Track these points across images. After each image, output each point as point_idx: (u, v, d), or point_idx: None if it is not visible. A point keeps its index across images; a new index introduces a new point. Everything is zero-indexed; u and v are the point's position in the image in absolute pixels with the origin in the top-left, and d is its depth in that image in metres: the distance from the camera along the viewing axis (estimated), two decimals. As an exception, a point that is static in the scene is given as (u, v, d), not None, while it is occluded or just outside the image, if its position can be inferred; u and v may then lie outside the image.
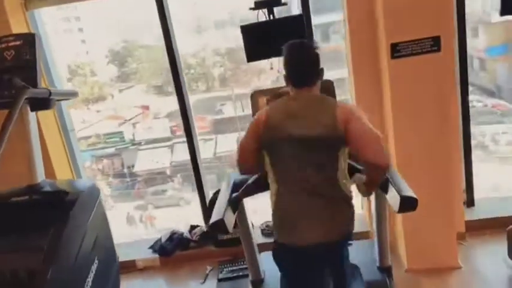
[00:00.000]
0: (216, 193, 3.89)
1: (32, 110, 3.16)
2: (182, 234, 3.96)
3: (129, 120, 16.79)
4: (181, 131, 15.77)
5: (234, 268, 3.55)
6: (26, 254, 2.63)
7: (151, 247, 4.04)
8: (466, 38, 3.71)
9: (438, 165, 3.19)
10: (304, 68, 2.21)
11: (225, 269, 3.53)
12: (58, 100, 3.30)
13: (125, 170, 15.39)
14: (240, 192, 2.43)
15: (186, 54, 21.41)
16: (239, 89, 15.75)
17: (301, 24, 3.10)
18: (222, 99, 18.57)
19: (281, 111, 2.14)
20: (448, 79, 3.21)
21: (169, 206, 13.82)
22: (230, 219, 2.28)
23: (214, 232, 2.29)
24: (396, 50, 2.96)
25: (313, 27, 3.90)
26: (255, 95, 2.85)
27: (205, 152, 15.29)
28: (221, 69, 21.98)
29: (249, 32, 3.18)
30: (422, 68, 2.99)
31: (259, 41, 3.17)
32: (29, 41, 3.07)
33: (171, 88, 21.43)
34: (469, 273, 3.30)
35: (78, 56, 19.29)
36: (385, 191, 2.28)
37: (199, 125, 16.10)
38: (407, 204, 2.14)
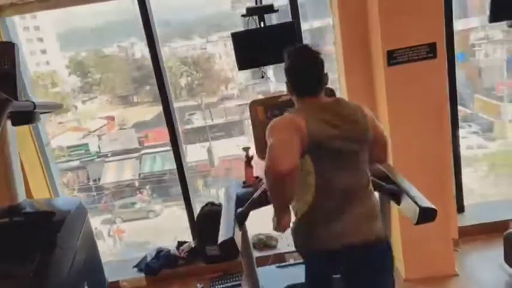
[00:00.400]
0: (205, 207, 3.74)
1: (13, 125, 2.89)
2: (169, 251, 3.77)
3: (94, 131, 16.36)
4: (149, 142, 15.56)
5: (227, 285, 3.40)
6: (10, 283, 2.35)
7: (136, 266, 3.82)
8: (454, 45, 3.74)
9: (433, 172, 3.16)
10: (311, 75, 2.04)
11: (216, 286, 3.38)
12: (41, 113, 3.06)
13: (91, 183, 14.92)
14: (246, 206, 2.28)
15: (151, 64, 21.19)
16: (207, 98, 15.61)
17: (292, 32, 3.02)
18: (191, 109, 18.40)
19: (314, 118, 1.99)
20: (442, 86, 3.20)
21: (138, 219, 13.46)
22: (239, 237, 2.14)
23: (225, 252, 2.11)
24: (393, 57, 2.92)
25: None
26: (254, 105, 2.72)
27: (173, 163, 15.09)
28: (188, 78, 21.85)
29: (240, 39, 3.06)
30: (418, 75, 2.96)
31: (250, 49, 3.05)
32: (8, 49, 2.83)
33: (137, 98, 21.10)
34: (466, 280, 3.28)
35: (38, 66, 18.71)
36: (397, 201, 2.19)
37: (167, 135, 15.92)
38: (427, 215, 2.07)
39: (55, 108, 3.82)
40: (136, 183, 14.98)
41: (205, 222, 3.60)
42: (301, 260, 3.17)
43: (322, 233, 2.02)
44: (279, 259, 3.57)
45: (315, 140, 1.92)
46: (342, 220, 2.01)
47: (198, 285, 3.41)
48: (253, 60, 3.10)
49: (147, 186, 14.86)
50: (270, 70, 17.15)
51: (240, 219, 2.26)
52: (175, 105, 16.82)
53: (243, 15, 3.02)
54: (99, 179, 14.90)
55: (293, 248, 2.99)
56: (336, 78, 3.54)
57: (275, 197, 1.92)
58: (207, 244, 3.55)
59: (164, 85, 3.58)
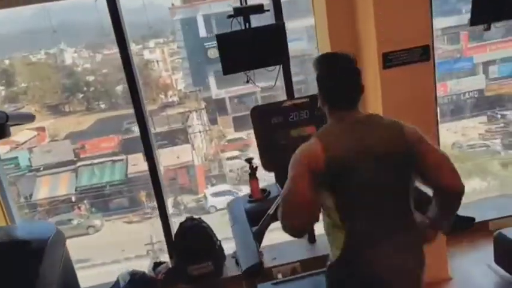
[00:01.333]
0: (184, 222, 3.41)
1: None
2: (144, 273, 3.42)
3: (23, 144, 15.24)
4: (86, 153, 14.72)
5: (213, 307, 3.12)
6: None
7: (107, 293, 3.44)
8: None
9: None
10: (348, 85, 1.78)
11: (201, 311, 3.10)
12: (12, 125, 2.58)
13: (22, 200, 13.84)
14: (262, 224, 2.04)
15: (83, 71, 20.18)
16: (148, 106, 15.07)
17: (281, 34, 2.83)
18: (129, 118, 17.67)
19: (339, 137, 1.71)
20: (431, 88, 3.16)
21: (77, 235, 12.64)
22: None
23: (250, 278, 1.86)
24: (388, 60, 2.82)
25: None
26: (256, 111, 2.47)
27: (114, 173, 14.38)
28: (125, 86, 20.95)
29: (226, 41, 2.83)
30: (411, 78, 2.88)
31: (236, 51, 2.83)
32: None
33: (69, 107, 20.02)
34: (460, 284, 3.24)
35: (-44, 75, 17.24)
36: (421, 208, 1.96)
37: (105, 145, 15.15)
38: (463, 225, 1.94)
39: (28, 120, 3.34)
40: (73, 198, 14.10)
41: (185, 239, 3.29)
42: (293, 276, 2.96)
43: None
44: (265, 274, 3.34)
45: (333, 158, 1.66)
46: (379, 270, 1.77)
47: (180, 310, 3.09)
48: (238, 64, 2.86)
49: (85, 201, 14.02)
50: (211, 77, 16.90)
51: (258, 239, 2.01)
52: (112, 114, 16.11)
53: (229, 16, 2.78)
54: (30, 196, 13.86)
55: (280, 262, 2.78)
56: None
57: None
58: (189, 263, 3.24)
59: (137, 91, 3.23)
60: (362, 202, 1.72)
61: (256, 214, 2.14)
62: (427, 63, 2.97)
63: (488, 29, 3.00)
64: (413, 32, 2.89)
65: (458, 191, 1.73)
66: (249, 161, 2.36)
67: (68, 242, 10.32)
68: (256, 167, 2.35)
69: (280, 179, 2.23)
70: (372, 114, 1.86)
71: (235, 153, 14.90)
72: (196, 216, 3.46)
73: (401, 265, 1.78)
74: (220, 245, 3.36)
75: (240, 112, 19.03)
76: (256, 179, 2.37)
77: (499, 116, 15.38)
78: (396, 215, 1.77)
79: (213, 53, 19.53)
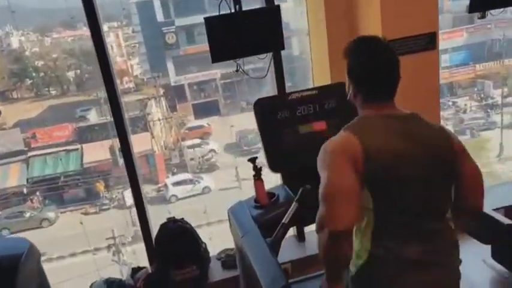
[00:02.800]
0: (166, 224, 3.16)
1: None
2: (121, 280, 3.15)
3: (-34, 133, 14.35)
4: (38, 143, 13.99)
5: (199, 314, 2.92)
6: None
7: (79, 303, 3.16)
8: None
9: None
10: (387, 75, 1.55)
11: (187, 318, 2.88)
12: None
13: (-33, 194, 13.07)
14: (277, 235, 1.84)
15: (32, 56, 19.13)
16: (102, 92, 14.40)
17: (277, 18, 2.60)
18: (83, 104, 16.92)
19: (379, 132, 1.48)
20: (436, 78, 3.04)
21: (30, 229, 12.04)
22: None
23: None
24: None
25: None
26: (260, 105, 2.22)
27: (69, 164, 13.76)
28: (77, 71, 20.08)
29: (215, 25, 2.57)
30: (416, 66, 2.74)
31: (226, 37, 2.58)
32: None
33: (17, 94, 18.96)
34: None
35: None
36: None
37: (58, 134, 14.45)
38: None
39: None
40: (25, 190, 13.42)
41: (166, 243, 3.03)
42: (306, 275, 2.78)
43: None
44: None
45: (374, 156, 1.43)
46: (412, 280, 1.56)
47: (165, 318, 2.87)
48: (229, 51, 2.62)
49: (38, 193, 13.38)
50: (169, 63, 16.42)
51: (276, 251, 1.81)
52: (64, 100, 15.39)
53: (217, -4, 2.52)
54: (-24, 188, 13.09)
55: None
56: (310, 77, 3.20)
57: (328, 261, 1.44)
58: (172, 268, 3.00)
59: (110, 72, 2.92)
60: (398, 209, 1.51)
61: (266, 222, 1.93)
62: (432, 52, 2.85)
63: (483, 16, 2.92)
64: (420, 18, 2.75)
65: (479, 212, 1.62)
66: (252, 160, 2.12)
67: (21, 236, 9.74)
68: (261, 167, 2.11)
69: (288, 181, 2.04)
70: (413, 113, 1.60)
71: (196, 141, 14.62)
72: (177, 217, 3.21)
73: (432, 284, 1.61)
74: (205, 247, 3.14)
75: (199, 99, 18.73)
76: (262, 181, 2.13)
77: (450, 103, 15.88)
78: (434, 234, 1.58)
79: (171, 38, 19.04)
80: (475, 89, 16.65)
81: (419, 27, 2.71)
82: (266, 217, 1.97)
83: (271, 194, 2.08)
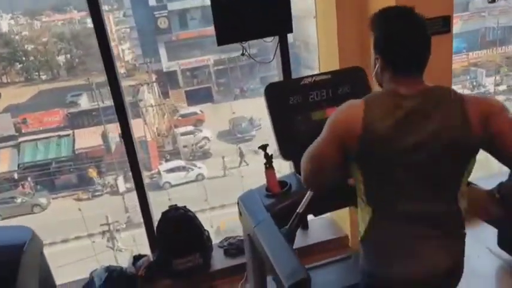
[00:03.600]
0: (168, 212, 3.11)
1: None
2: (122, 269, 3.10)
3: (-46, 117, 14.12)
4: (29, 128, 13.80)
5: (202, 303, 2.89)
6: None
7: (81, 292, 3.09)
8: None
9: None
10: (422, 48, 1.48)
11: (191, 307, 2.85)
12: None
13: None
14: (292, 225, 1.79)
15: (21, 39, 18.79)
16: (94, 78, 14.22)
17: (286, 0, 2.53)
18: (74, 90, 16.67)
19: (387, 110, 1.43)
20: (449, 63, 2.99)
21: (21, 215, 11.94)
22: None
23: None
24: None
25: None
26: (271, 90, 2.15)
27: (60, 150, 13.61)
28: (67, 56, 19.78)
29: (221, 5, 2.49)
30: (433, 50, 2.69)
31: (233, 18, 2.50)
32: None
33: (6, 78, 18.60)
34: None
35: None
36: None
37: (49, 120, 14.26)
38: None
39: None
40: (16, 176, 13.27)
41: (169, 230, 2.99)
42: (319, 262, 2.76)
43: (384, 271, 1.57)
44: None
45: (372, 130, 1.40)
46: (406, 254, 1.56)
47: (168, 307, 2.84)
48: (235, 34, 2.55)
49: (29, 178, 13.24)
50: (161, 48, 16.15)
51: (292, 241, 1.77)
52: (54, 85, 15.14)
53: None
54: (-35, 174, 12.95)
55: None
56: (315, 59, 3.14)
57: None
58: (175, 257, 2.96)
59: (111, 57, 2.84)
60: (391, 186, 1.49)
61: (279, 211, 1.88)
62: (447, 35, 2.81)
63: (494, 1, 2.89)
64: (435, 1, 2.69)
65: None
66: (263, 148, 2.06)
67: (13, 221, 9.59)
68: (272, 155, 2.06)
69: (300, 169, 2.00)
70: (436, 88, 1.52)
71: (189, 128, 14.52)
72: (180, 205, 3.16)
73: (430, 270, 1.58)
74: (208, 235, 3.10)
75: (192, 86, 18.54)
76: (273, 168, 2.08)
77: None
78: (434, 216, 1.54)
79: (163, 22, 18.77)
80: (468, 77, 16.69)
81: (433, 10, 2.65)
82: (279, 206, 1.92)
83: (283, 183, 2.04)
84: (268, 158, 2.05)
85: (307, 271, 1.49)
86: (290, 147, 2.02)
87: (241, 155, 13.12)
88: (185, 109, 15.80)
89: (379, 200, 1.49)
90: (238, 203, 2.06)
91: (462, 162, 1.48)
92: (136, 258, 3.18)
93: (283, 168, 2.33)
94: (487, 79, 15.99)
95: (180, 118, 15.21)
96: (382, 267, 1.54)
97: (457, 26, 16.39)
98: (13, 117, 13.91)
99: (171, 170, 12.93)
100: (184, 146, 13.90)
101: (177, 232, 2.97)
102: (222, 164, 13.06)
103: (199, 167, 12.99)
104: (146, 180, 11.97)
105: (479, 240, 3.21)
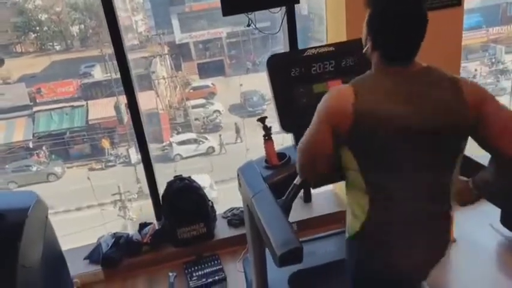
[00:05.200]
0: (173, 183, 3.16)
1: None
2: (128, 236, 3.18)
3: (-30, 86, 14.31)
4: (42, 98, 13.92)
5: (205, 271, 2.94)
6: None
7: (87, 258, 3.17)
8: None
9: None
10: (415, 32, 1.42)
11: (194, 274, 2.90)
12: None
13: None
14: (288, 196, 1.81)
15: (35, 9, 18.76)
16: (106, 49, 14.19)
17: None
18: (87, 61, 16.71)
19: (380, 93, 1.40)
20: (459, 37, 2.90)
21: (37, 182, 12.19)
22: None
23: (287, 265, 1.63)
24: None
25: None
26: (273, 61, 2.13)
27: (74, 120, 13.75)
28: (81, 26, 19.75)
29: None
30: (440, 24, 2.61)
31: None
32: None
33: (21, 48, 18.63)
34: (464, 246, 3.20)
35: None
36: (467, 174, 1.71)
37: (63, 90, 14.36)
38: None
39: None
40: (31, 145, 13.48)
41: (174, 200, 3.05)
42: (313, 236, 2.79)
43: (380, 265, 1.57)
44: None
45: (365, 114, 1.37)
46: (405, 254, 1.55)
47: (170, 273, 2.90)
48: (241, 4, 2.52)
49: (44, 147, 13.45)
50: (174, 19, 16.03)
51: (288, 213, 1.78)
52: (68, 56, 15.13)
53: None
54: (-19, 142, 13.17)
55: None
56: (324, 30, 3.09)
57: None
58: (178, 225, 3.02)
59: (118, 29, 2.85)
60: (391, 176, 1.48)
61: (277, 183, 1.90)
62: (457, 9, 2.73)
63: None
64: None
65: None
66: (262, 120, 2.07)
67: (29, 189, 9.75)
68: (271, 127, 2.07)
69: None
70: (427, 68, 1.49)
71: (201, 101, 14.52)
72: (184, 176, 3.20)
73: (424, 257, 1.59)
74: (212, 205, 3.15)
75: (204, 58, 18.44)
76: (272, 140, 2.09)
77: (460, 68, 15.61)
78: (430, 197, 1.53)
79: (177, -7, 18.58)
80: (486, 54, 16.30)
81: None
82: (277, 177, 1.93)
83: (281, 155, 2.05)
84: (267, 130, 2.05)
85: (302, 242, 1.51)
86: (290, 120, 2.02)
87: (238, 130, 13.19)
88: (197, 82, 15.77)
89: (377, 185, 1.48)
90: (238, 174, 2.08)
91: (458, 142, 1.47)
92: (142, 225, 3.26)
93: (286, 141, 2.34)
94: (507, 56, 15.61)
95: (191, 91, 15.20)
96: (380, 257, 1.55)
97: (475, 1, 15.96)
98: (28, 87, 14.03)
99: (183, 142, 13.02)
100: (196, 119, 13.94)
101: (181, 201, 3.03)
102: (234, 138, 13.13)
103: (209, 140, 13.08)
104: (158, 152, 12.06)
105: (482, 217, 3.21)
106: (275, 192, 1.82)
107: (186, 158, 12.62)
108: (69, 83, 14.31)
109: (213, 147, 13.05)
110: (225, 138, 13.20)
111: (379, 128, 1.39)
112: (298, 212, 3.31)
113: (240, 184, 2.09)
